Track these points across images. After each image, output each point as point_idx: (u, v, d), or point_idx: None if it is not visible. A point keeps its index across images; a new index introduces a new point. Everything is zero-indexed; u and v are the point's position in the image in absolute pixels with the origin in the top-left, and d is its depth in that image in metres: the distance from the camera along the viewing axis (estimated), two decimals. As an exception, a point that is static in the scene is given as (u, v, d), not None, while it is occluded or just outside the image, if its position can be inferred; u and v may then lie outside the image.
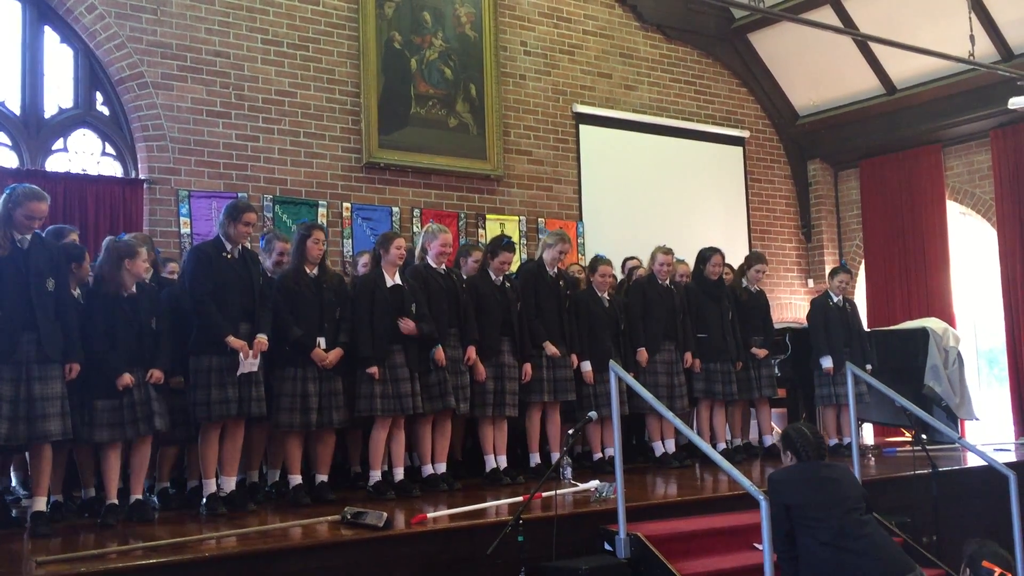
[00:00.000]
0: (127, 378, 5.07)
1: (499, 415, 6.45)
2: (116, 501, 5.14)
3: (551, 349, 6.60)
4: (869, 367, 7.85)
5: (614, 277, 7.43)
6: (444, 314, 6.20)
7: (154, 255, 6.27)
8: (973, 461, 7.03)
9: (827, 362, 7.83)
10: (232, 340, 5.31)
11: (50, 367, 4.81)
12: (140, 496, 5.25)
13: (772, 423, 8.16)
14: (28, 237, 4.85)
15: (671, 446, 7.36)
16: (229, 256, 5.47)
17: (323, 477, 5.80)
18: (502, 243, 6.63)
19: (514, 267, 7.15)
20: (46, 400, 4.76)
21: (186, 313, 5.45)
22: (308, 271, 5.81)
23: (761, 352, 7.74)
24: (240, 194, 8.14)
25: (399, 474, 5.95)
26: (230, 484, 5.48)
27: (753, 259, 8.11)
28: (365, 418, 5.91)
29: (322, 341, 5.71)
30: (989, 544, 4.00)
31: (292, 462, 5.73)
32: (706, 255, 7.72)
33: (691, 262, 7.89)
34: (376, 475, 5.86)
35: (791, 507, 4.37)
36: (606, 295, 7.16)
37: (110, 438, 5.10)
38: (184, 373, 5.43)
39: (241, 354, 5.32)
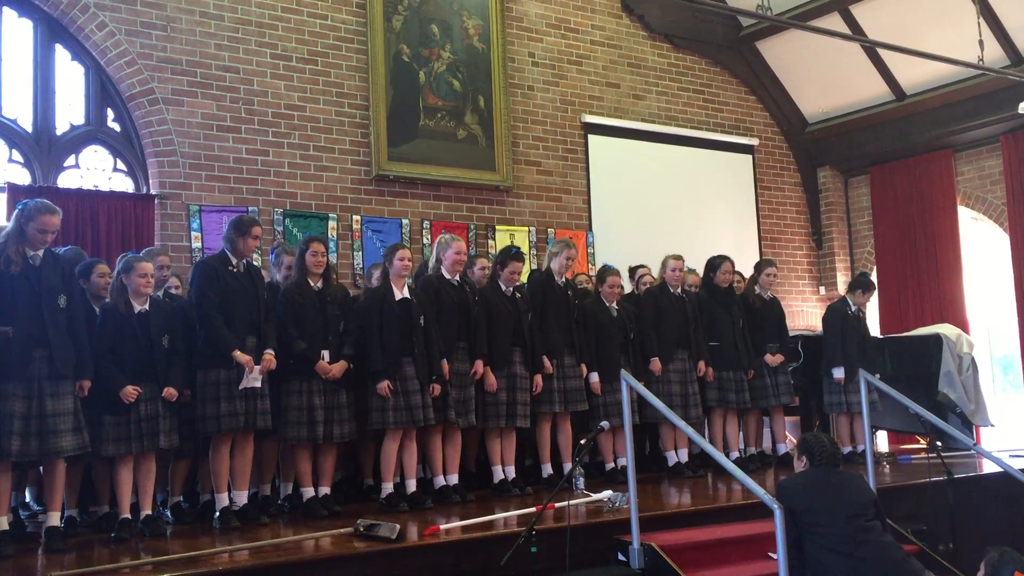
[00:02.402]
0: (130, 390, 5.07)
1: (510, 426, 6.43)
2: (129, 515, 5.15)
3: (546, 364, 6.59)
4: (877, 375, 7.82)
5: (622, 287, 7.42)
6: (454, 327, 6.21)
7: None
8: (989, 468, 6.97)
9: (839, 372, 7.77)
10: (238, 355, 5.32)
11: (62, 383, 4.83)
12: (150, 511, 5.26)
13: (786, 431, 8.12)
14: (40, 253, 4.87)
15: (684, 455, 7.34)
16: (235, 270, 5.50)
17: (325, 490, 5.80)
18: (511, 253, 6.62)
19: (524, 277, 7.15)
20: (58, 416, 4.78)
21: (193, 326, 5.47)
22: (312, 284, 5.82)
23: (775, 359, 7.71)
24: (250, 208, 8.19)
25: (411, 486, 5.94)
26: (242, 497, 5.48)
27: (762, 264, 8.09)
28: (377, 430, 5.91)
29: (326, 354, 5.72)
30: (1011, 552, 3.96)
31: (303, 475, 5.73)
32: (716, 263, 7.71)
33: (701, 270, 7.88)
34: (388, 487, 5.85)
35: (796, 512, 4.37)
36: (614, 305, 7.15)
37: (116, 452, 5.11)
38: (192, 387, 5.44)
39: (246, 369, 5.33)
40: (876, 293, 11.51)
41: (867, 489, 4.63)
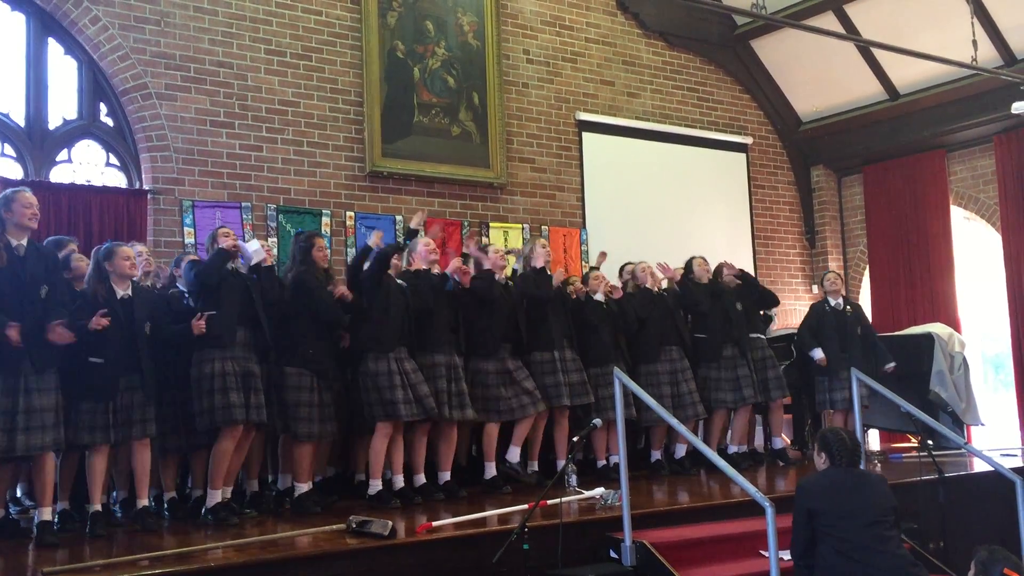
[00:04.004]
0: (60, 331, 4.79)
1: (522, 416, 6.45)
2: (100, 508, 5.11)
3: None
4: (892, 365, 8.00)
5: (606, 278, 7.48)
6: (444, 318, 6.24)
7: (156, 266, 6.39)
8: (979, 467, 7.01)
9: (818, 353, 7.83)
10: (225, 244, 5.45)
11: (45, 378, 4.80)
12: (145, 502, 5.26)
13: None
14: (24, 244, 4.83)
15: (681, 451, 7.38)
16: (228, 267, 5.56)
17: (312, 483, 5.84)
18: (483, 246, 6.82)
19: (508, 270, 7.25)
20: (44, 411, 4.75)
21: (179, 316, 5.51)
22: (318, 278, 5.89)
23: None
24: (243, 204, 8.18)
25: (399, 482, 5.93)
26: (227, 492, 5.51)
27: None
28: (367, 426, 5.92)
29: None
30: (1001, 551, 3.97)
31: (302, 472, 5.71)
32: (688, 264, 7.82)
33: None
34: (377, 484, 5.84)
35: (815, 513, 4.29)
36: (602, 296, 7.18)
37: (91, 441, 5.05)
38: (182, 380, 5.43)
39: (246, 247, 5.47)
40: (868, 290, 11.61)
41: (889, 493, 4.47)
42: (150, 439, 5.26)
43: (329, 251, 8.35)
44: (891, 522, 4.35)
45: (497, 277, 6.55)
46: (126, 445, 5.22)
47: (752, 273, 8.65)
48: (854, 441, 4.52)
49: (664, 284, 7.71)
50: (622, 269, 8.07)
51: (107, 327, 5.04)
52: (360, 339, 5.89)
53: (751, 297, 7.88)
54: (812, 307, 8.30)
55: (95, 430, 5.05)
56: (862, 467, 4.72)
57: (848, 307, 8.17)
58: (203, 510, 5.44)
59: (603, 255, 7.87)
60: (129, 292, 5.24)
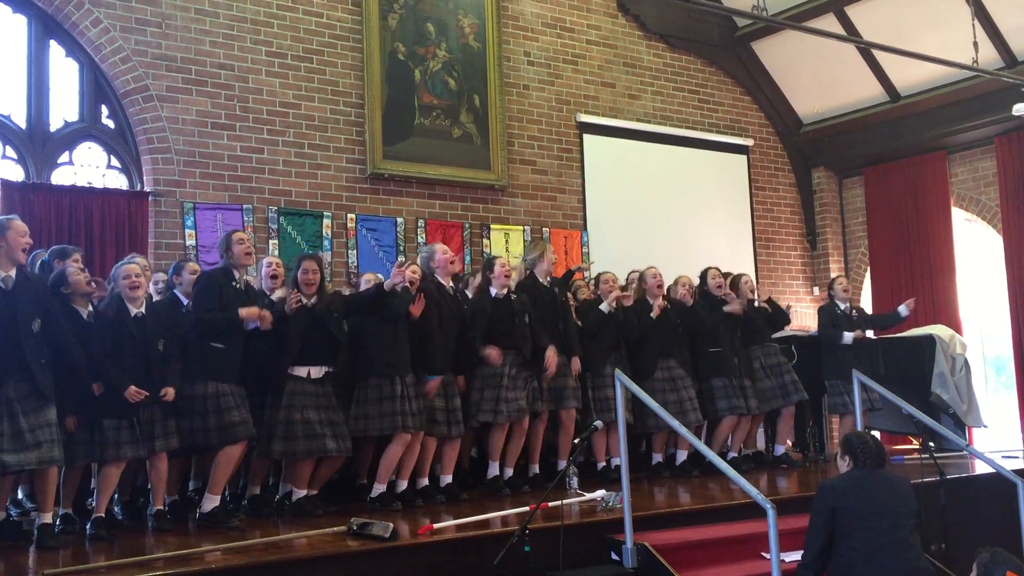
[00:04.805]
0: (133, 390, 5.03)
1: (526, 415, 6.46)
2: (103, 515, 5.13)
3: (551, 357, 6.56)
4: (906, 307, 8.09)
5: (616, 281, 7.45)
6: (450, 335, 6.24)
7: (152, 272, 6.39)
8: (981, 468, 7.00)
9: (848, 337, 7.85)
10: (244, 312, 5.42)
11: (43, 401, 4.77)
12: (161, 506, 5.32)
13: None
14: (13, 275, 4.78)
15: (682, 456, 7.36)
16: (237, 285, 5.57)
17: (314, 491, 5.82)
18: (489, 257, 6.74)
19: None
20: (51, 427, 4.76)
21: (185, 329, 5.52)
22: (305, 301, 5.75)
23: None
24: (244, 206, 8.19)
25: (402, 485, 5.93)
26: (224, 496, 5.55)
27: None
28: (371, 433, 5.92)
29: (313, 371, 5.70)
30: (1003, 553, 3.96)
31: (301, 479, 5.71)
32: (702, 274, 7.77)
33: (693, 271, 7.88)
34: (381, 487, 5.84)
35: (837, 511, 4.28)
36: (607, 307, 7.16)
37: (116, 457, 5.08)
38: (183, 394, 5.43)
39: (259, 321, 5.45)
40: (870, 292, 11.61)
41: (911, 495, 4.46)
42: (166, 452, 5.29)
43: (330, 253, 8.48)
44: (912, 525, 4.35)
45: (494, 293, 6.52)
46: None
47: (755, 282, 8.58)
48: (877, 443, 4.53)
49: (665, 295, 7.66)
50: (627, 278, 8.03)
51: (121, 346, 5.10)
52: (368, 362, 5.86)
53: (761, 317, 7.88)
54: (822, 310, 8.21)
55: (120, 445, 5.07)
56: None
57: (855, 312, 8.18)
58: (205, 512, 5.44)
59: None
60: (142, 310, 5.26)
